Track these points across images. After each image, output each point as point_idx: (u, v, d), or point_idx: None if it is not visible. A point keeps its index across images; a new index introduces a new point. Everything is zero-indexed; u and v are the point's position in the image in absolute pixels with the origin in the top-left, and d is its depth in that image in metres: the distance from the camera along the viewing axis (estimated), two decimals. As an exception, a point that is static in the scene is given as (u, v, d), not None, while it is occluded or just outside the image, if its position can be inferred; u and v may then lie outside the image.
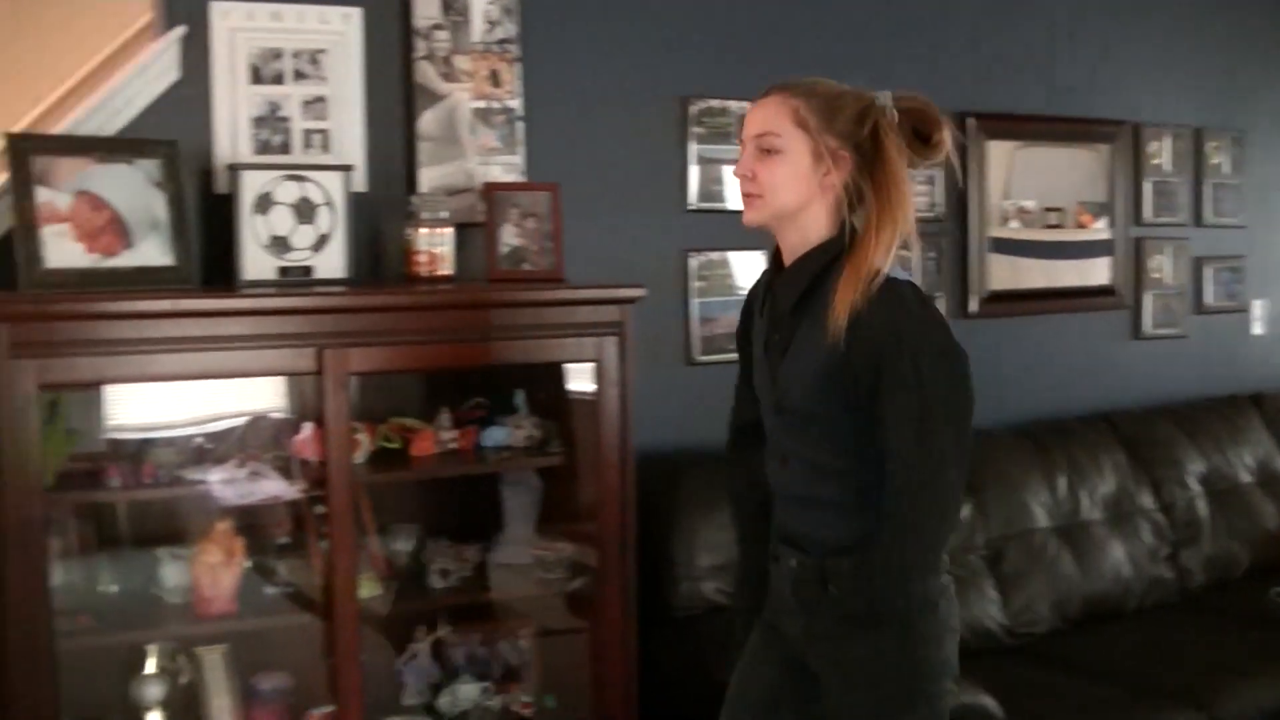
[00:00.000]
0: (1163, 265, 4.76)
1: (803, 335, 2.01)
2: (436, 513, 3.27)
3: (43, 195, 2.73)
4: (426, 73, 3.28)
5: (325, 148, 3.16)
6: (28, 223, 2.70)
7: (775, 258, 2.11)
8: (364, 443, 2.98)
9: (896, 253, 1.96)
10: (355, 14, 3.20)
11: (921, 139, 2.00)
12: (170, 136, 2.93)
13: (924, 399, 1.89)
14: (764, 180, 2.01)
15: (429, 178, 3.28)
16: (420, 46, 3.28)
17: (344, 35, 3.19)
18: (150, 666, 2.88)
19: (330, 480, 2.80)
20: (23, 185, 2.70)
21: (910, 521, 1.92)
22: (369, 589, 2.99)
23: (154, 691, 2.88)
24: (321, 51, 3.16)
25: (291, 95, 3.13)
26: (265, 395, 3.00)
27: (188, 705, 2.92)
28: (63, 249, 2.73)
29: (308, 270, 2.97)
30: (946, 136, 2.01)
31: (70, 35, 3.55)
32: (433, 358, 2.96)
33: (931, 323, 1.97)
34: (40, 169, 2.75)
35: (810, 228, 2.03)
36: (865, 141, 1.98)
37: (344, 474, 2.82)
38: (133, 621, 2.86)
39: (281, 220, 2.95)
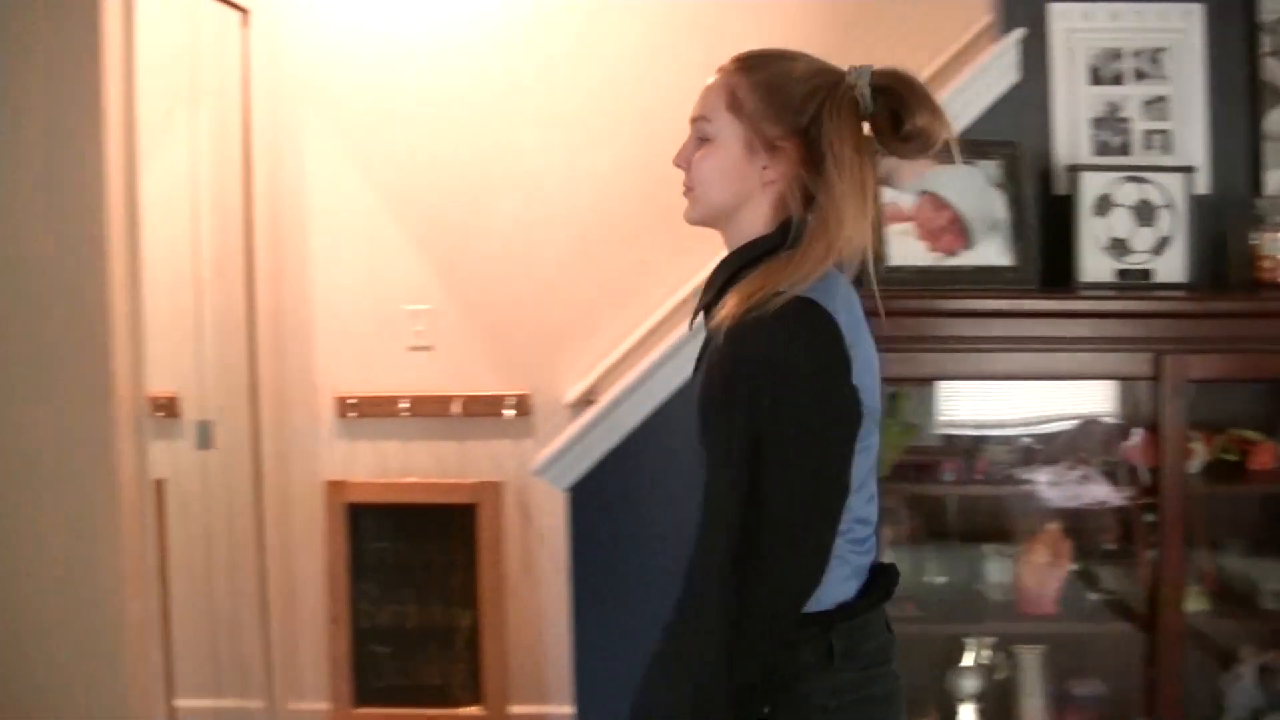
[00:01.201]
0: None
1: (703, 357, 1.79)
2: (1270, 530, 3.26)
3: (888, 195, 3.13)
4: (1274, 70, 3.28)
5: (1166, 149, 3.29)
6: (875, 221, 3.16)
7: None
8: (1199, 452, 3.08)
9: (829, 268, 1.69)
10: (1196, 10, 3.29)
11: (894, 126, 1.70)
12: (1009, 138, 3.22)
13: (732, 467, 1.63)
14: (694, 173, 1.80)
15: (1277, 180, 3.27)
16: (1266, 42, 3.28)
17: (1184, 33, 3.30)
18: (968, 659, 3.20)
19: (1162, 489, 2.95)
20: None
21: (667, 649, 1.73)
22: (1195, 603, 3.07)
23: (970, 684, 3.20)
24: (1161, 50, 3.30)
25: (1131, 96, 3.31)
26: (1096, 399, 3.21)
27: (1001, 701, 3.21)
28: (906, 247, 3.12)
29: (1146, 274, 3.14)
30: (927, 123, 1.69)
31: (914, 35, 3.91)
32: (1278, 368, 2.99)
33: (800, 364, 1.63)
34: (886, 170, 3.10)
35: (747, 231, 1.78)
36: (812, 128, 1.71)
37: (1177, 483, 2.94)
38: (955, 614, 3.20)
39: (1121, 222, 3.14)
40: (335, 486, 4.09)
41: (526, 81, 4.09)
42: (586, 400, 3.96)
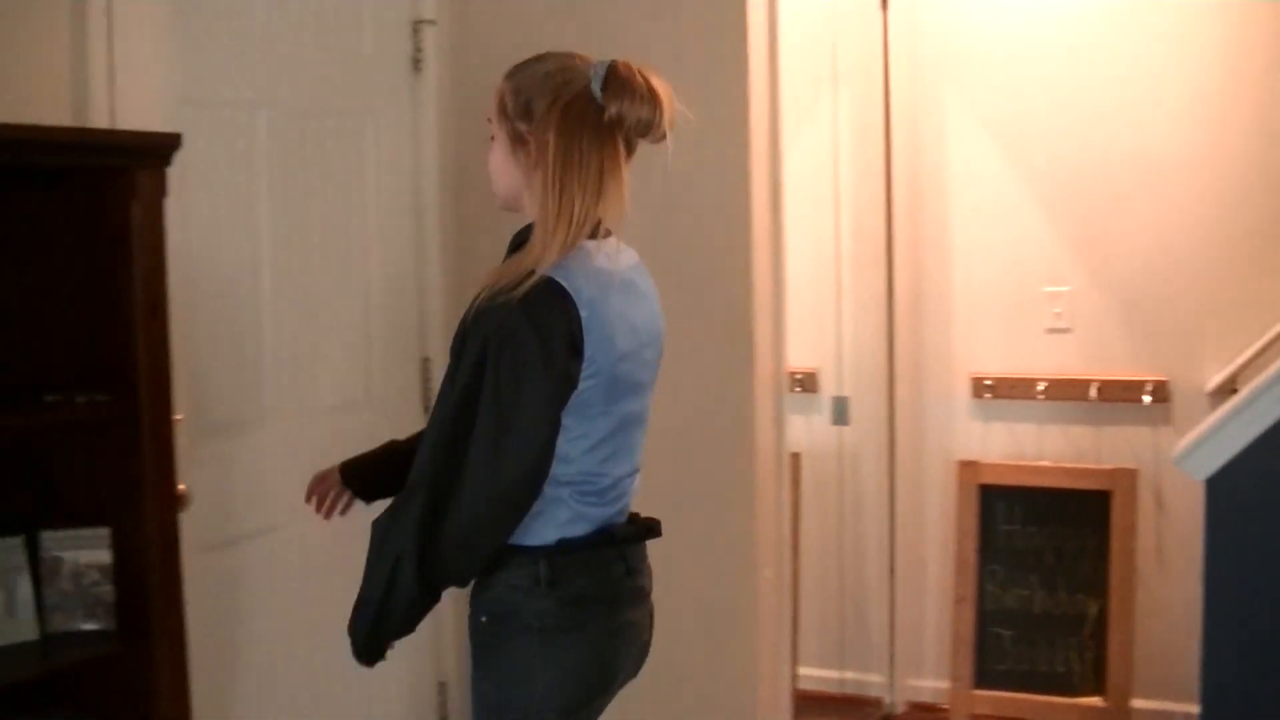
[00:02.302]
0: None
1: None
2: None
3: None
4: None
5: None
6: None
7: None
8: None
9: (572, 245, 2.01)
10: None
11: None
12: None
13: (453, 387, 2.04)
14: (488, 168, 2.19)
15: None
16: None
17: None
18: None
19: None
20: None
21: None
22: None
23: None
24: None
25: None
26: None
27: None
28: None
29: None
30: (623, 109, 2.03)
31: None
32: None
33: (519, 313, 1.98)
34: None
35: (530, 215, 2.10)
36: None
37: None
38: None
39: None
40: (968, 467, 4.34)
41: (1156, 65, 4.12)
42: (1228, 389, 3.94)
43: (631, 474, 2.22)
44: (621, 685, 2.24)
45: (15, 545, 2.38)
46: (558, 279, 1.99)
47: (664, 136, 2.09)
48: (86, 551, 2.41)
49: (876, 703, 4.49)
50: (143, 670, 2.40)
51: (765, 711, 3.43)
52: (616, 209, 2.08)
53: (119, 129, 2.65)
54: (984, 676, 4.30)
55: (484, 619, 2.14)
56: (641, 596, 2.24)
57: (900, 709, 4.49)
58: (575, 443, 2.08)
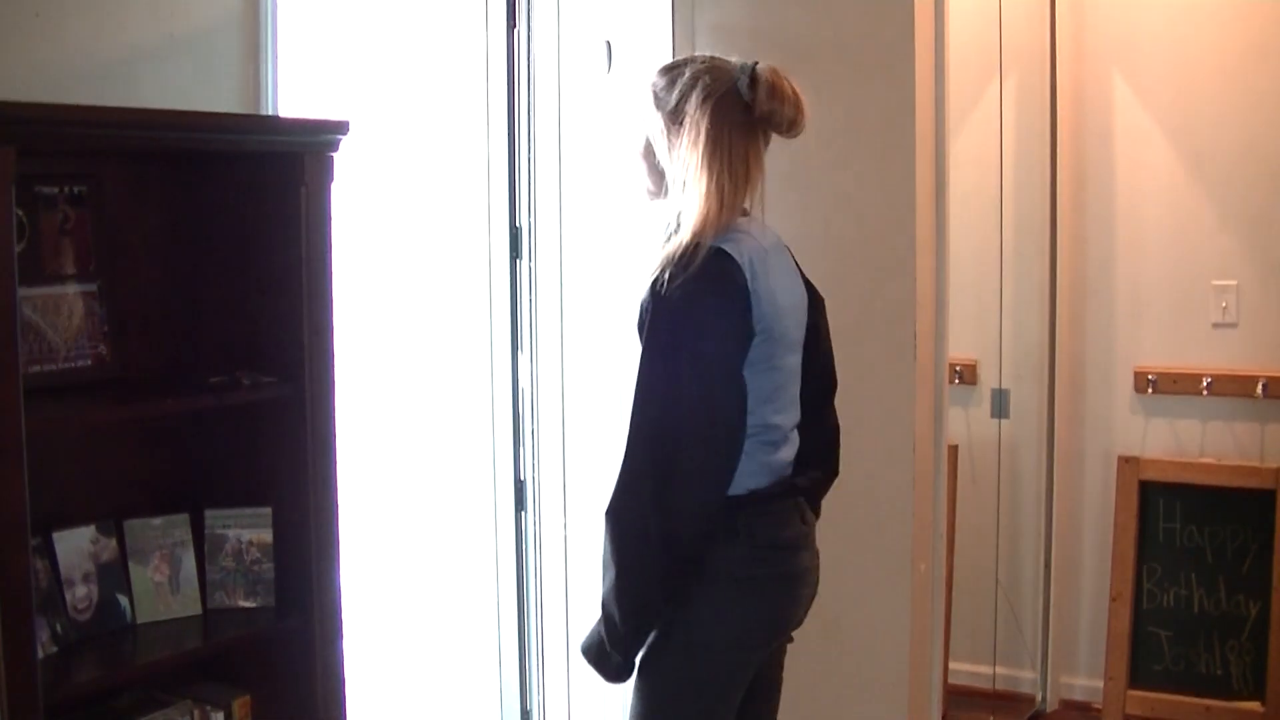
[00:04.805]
0: None
1: None
2: None
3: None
4: None
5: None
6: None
7: None
8: None
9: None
10: None
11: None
12: None
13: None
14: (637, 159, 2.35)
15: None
16: None
17: None
18: None
19: None
20: None
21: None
22: None
23: None
24: None
25: None
26: None
27: None
28: None
29: None
30: (774, 107, 2.20)
31: None
32: None
33: (699, 284, 2.10)
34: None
35: None
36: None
37: None
38: None
39: None
40: (1129, 463, 4.13)
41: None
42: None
43: (796, 425, 2.32)
44: (794, 628, 2.34)
45: (181, 522, 2.36)
46: (724, 248, 2.13)
47: (800, 133, 2.26)
48: (249, 530, 2.37)
49: (1029, 699, 4.30)
50: (300, 648, 2.35)
51: (916, 705, 3.31)
52: (758, 193, 2.24)
53: (288, 116, 2.62)
54: (1139, 676, 4.09)
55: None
56: (813, 543, 2.34)
57: (1053, 706, 4.29)
58: (752, 395, 2.18)
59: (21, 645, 1.90)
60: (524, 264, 3.47)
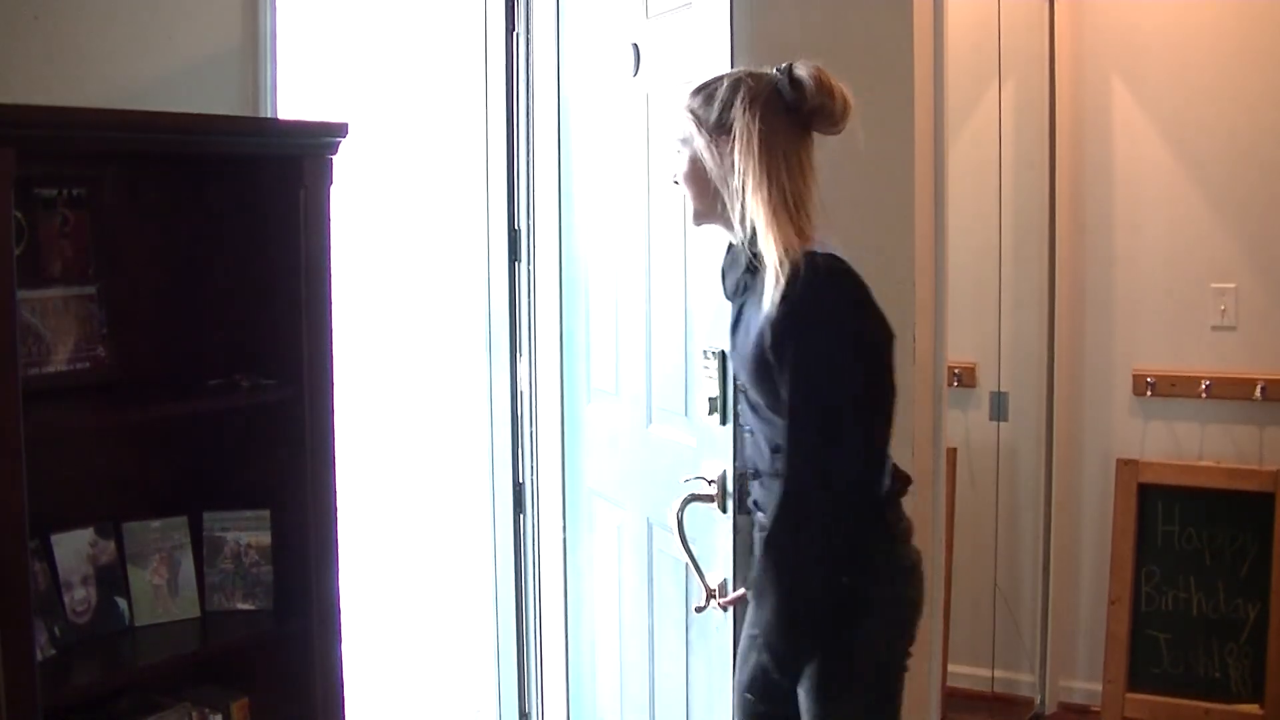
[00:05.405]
0: None
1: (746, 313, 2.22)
2: None
3: None
4: None
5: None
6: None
7: None
8: None
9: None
10: None
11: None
12: None
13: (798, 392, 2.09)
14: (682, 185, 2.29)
15: None
16: None
17: None
18: None
19: None
20: None
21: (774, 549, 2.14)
22: None
23: None
24: None
25: None
26: None
27: None
28: None
29: None
30: (824, 102, 2.17)
31: None
32: None
33: (835, 293, 2.11)
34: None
35: None
36: None
37: None
38: None
39: None
40: (1127, 465, 4.12)
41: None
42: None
43: None
44: None
45: (179, 525, 2.36)
46: (834, 254, 2.13)
47: (844, 128, 2.21)
48: (247, 532, 2.37)
49: (1027, 702, 4.28)
50: (299, 651, 2.35)
51: (914, 707, 3.28)
52: (817, 194, 2.19)
53: (287, 118, 2.62)
54: (1138, 679, 4.07)
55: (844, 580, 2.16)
56: None
57: (1051, 709, 4.28)
58: None
59: (20, 648, 1.90)
60: (523, 266, 3.47)
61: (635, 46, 2.97)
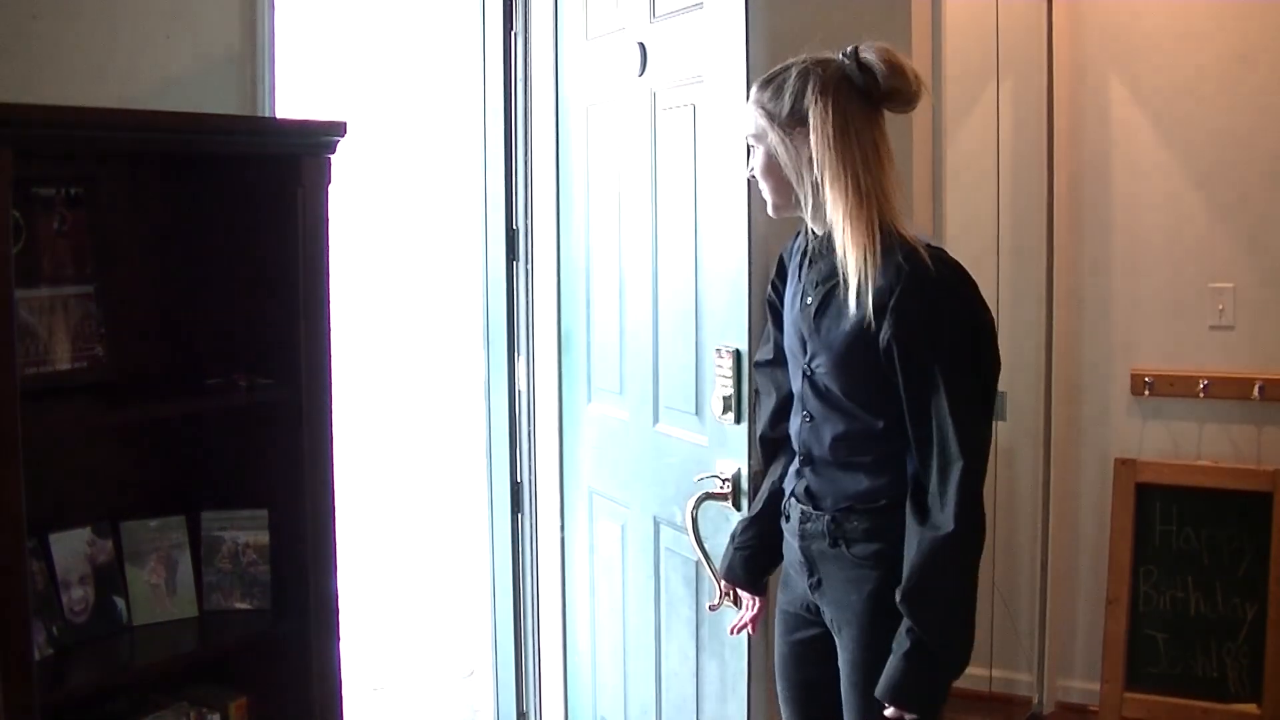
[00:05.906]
0: None
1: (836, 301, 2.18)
2: None
3: None
4: None
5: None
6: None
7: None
8: None
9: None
10: None
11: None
12: None
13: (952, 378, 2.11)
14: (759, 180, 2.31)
15: None
16: None
17: None
18: None
19: None
20: None
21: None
22: None
23: None
24: None
25: None
26: None
27: None
28: None
29: None
30: (897, 83, 2.15)
31: None
32: None
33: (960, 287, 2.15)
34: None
35: None
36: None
37: None
38: None
39: None
40: (1125, 465, 4.11)
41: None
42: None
43: None
44: None
45: (177, 524, 2.36)
46: (929, 241, 2.15)
47: (916, 106, 2.21)
48: (245, 532, 2.37)
49: (1025, 702, 4.28)
50: (296, 650, 2.35)
51: (912, 708, 3.28)
52: (895, 176, 2.18)
53: (285, 118, 2.61)
54: (1136, 679, 4.06)
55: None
56: None
57: (1049, 709, 4.28)
58: None
59: (18, 647, 1.90)
60: (521, 266, 3.47)
61: (641, 45, 2.97)
